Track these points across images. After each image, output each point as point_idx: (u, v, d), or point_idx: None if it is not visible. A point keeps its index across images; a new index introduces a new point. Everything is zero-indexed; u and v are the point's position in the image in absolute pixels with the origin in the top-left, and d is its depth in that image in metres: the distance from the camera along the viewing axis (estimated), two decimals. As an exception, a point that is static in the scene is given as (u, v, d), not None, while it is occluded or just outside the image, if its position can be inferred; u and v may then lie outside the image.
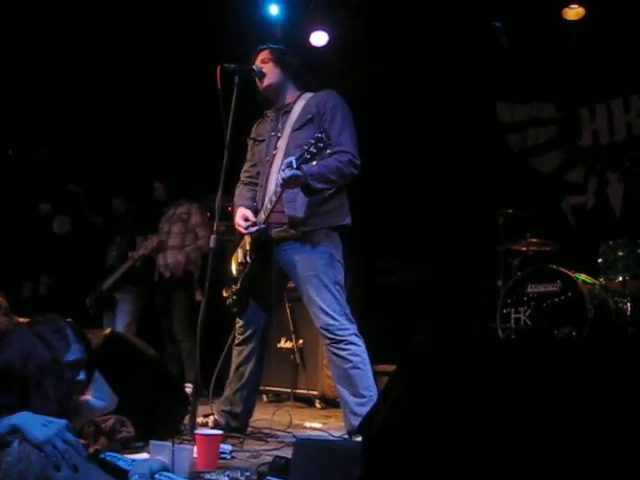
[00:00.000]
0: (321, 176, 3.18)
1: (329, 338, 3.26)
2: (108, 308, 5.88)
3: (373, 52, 6.21)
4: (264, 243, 3.39)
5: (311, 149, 2.99)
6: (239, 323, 3.59)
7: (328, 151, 3.06)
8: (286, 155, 3.37)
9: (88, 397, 2.45)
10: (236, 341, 3.59)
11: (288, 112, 3.50)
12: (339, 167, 3.20)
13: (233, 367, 3.59)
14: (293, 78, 3.56)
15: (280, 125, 3.51)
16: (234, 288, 3.53)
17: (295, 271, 3.36)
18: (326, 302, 3.26)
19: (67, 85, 5.98)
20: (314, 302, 3.28)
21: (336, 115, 3.36)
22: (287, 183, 3.11)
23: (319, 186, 3.21)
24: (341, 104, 3.42)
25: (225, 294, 3.62)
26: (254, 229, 3.34)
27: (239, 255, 3.54)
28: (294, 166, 3.04)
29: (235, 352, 3.59)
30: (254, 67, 3.51)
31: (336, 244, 3.38)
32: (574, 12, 5.64)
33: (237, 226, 3.41)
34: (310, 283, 3.29)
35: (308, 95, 3.54)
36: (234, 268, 3.59)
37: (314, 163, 3.02)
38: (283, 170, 3.09)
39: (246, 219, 3.37)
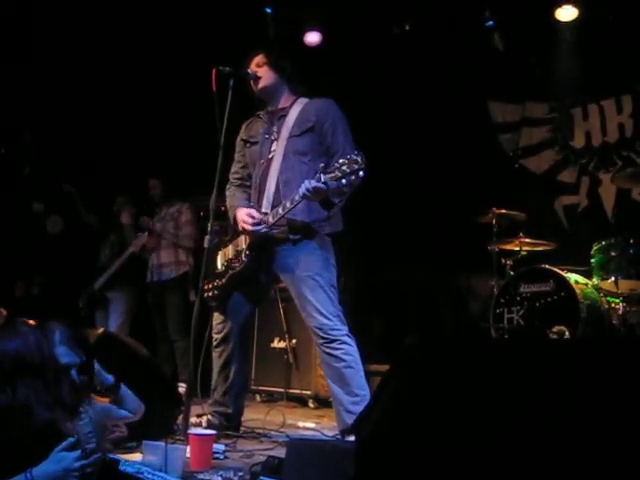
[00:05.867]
0: (339, 190, 3.18)
1: (322, 337, 3.27)
2: (101, 307, 5.85)
3: (366, 52, 6.21)
4: (264, 244, 3.40)
5: (344, 168, 2.97)
6: (217, 320, 3.56)
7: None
8: (285, 160, 3.39)
9: (106, 403, 2.40)
10: (214, 343, 3.56)
11: (284, 116, 3.50)
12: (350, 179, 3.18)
13: (216, 370, 3.56)
14: (288, 81, 3.57)
15: (275, 128, 3.51)
16: (217, 283, 3.53)
17: (290, 272, 3.36)
18: (321, 303, 3.27)
19: (63, 85, 5.96)
20: (309, 302, 3.29)
21: (338, 127, 3.39)
22: (310, 195, 3.09)
23: (336, 200, 3.24)
24: (340, 114, 3.45)
25: (205, 287, 3.59)
26: (261, 227, 3.32)
27: (229, 252, 3.53)
28: (322, 180, 3.03)
29: (215, 354, 3.56)
30: (249, 71, 3.52)
31: (329, 249, 3.41)
32: (567, 12, 5.66)
33: (242, 223, 3.35)
34: (305, 284, 3.30)
35: (304, 100, 3.54)
36: (219, 263, 3.58)
37: (344, 181, 3.00)
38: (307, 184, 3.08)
39: (252, 217, 3.34)
